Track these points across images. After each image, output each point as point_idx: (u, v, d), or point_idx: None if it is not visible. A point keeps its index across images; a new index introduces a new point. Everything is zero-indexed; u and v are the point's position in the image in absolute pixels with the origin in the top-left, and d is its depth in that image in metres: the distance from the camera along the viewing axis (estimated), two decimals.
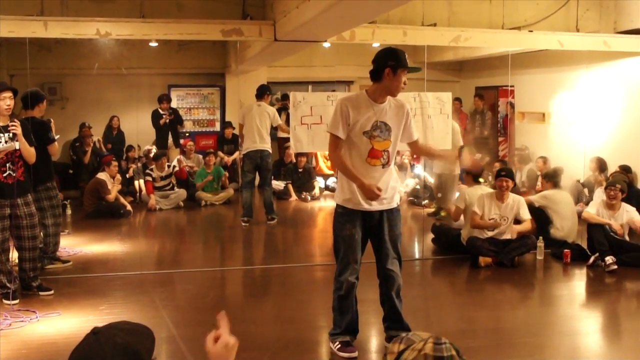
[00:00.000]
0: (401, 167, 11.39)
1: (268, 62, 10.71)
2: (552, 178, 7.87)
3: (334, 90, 10.06)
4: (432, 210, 9.58)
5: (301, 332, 4.85)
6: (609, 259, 6.56)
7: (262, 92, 8.96)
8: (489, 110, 11.82)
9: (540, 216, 7.49)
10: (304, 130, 6.84)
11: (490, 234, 6.90)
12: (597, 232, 6.80)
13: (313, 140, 6.90)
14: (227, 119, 12.23)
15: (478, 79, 12.74)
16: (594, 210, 7.00)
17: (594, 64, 9.89)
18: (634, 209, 7.11)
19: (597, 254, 6.80)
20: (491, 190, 7.22)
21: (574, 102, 10.41)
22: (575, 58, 9.91)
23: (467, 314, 5.39)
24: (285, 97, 11.92)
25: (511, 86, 11.77)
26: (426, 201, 10.10)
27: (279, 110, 12.31)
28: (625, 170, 8.85)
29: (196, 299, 5.68)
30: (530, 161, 10.78)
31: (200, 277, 6.40)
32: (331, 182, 11.65)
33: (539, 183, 8.33)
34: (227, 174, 11.18)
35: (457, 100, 12.26)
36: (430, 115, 7.03)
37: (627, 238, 6.95)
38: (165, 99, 11.40)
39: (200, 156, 11.49)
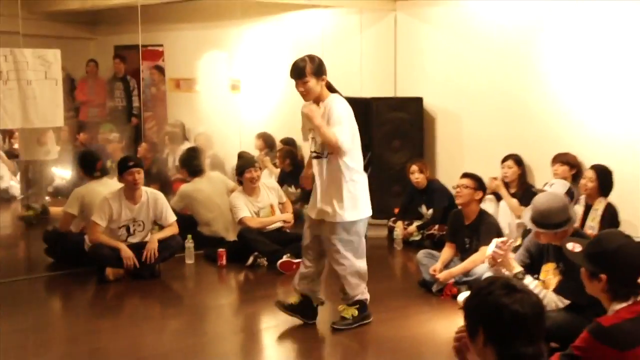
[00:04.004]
0: None
1: None
2: (186, 164, 7.91)
3: None
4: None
5: None
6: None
7: None
8: (133, 76, 11.59)
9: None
10: None
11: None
12: (249, 232, 7.06)
13: None
14: None
15: (118, 35, 12.41)
16: (241, 202, 7.20)
17: (250, 19, 10.28)
18: (274, 183, 7.82)
19: (256, 253, 7.01)
20: (117, 186, 6.84)
21: (227, 65, 10.73)
22: (229, 11, 10.18)
23: (94, 346, 5.17)
24: None
25: (159, 45, 11.73)
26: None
27: None
28: (288, 143, 9.38)
29: None
30: (186, 140, 10.84)
31: None
32: None
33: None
34: None
35: (92, 62, 11.86)
36: (30, 81, 6.54)
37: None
38: None
39: None
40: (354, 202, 5.07)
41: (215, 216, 7.64)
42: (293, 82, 5.09)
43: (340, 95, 5.14)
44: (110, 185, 7.01)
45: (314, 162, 5.17)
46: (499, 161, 7.43)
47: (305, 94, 5.00)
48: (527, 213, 4.56)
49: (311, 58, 5.00)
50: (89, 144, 10.69)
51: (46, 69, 6.67)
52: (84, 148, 10.50)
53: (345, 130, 4.94)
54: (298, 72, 4.95)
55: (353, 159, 5.07)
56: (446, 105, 8.53)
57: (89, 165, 7.26)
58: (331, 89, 5.10)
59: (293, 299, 5.35)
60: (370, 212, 5.25)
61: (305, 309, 5.32)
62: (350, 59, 9.18)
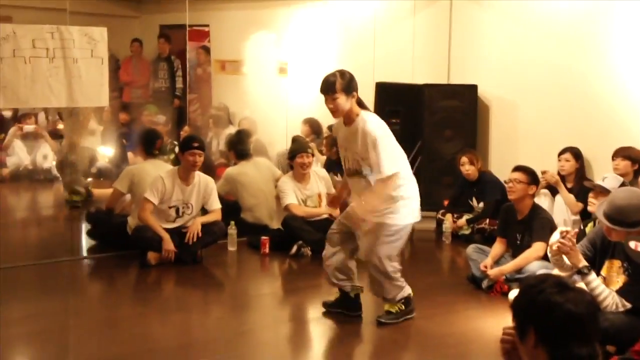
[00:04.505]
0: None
1: None
2: (234, 147, 8.01)
3: None
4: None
5: None
6: None
7: None
8: (178, 57, 11.72)
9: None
10: None
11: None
12: (294, 220, 7.09)
13: None
14: None
15: (164, 14, 12.55)
16: (289, 188, 7.26)
17: (299, 1, 10.29)
18: (324, 172, 7.70)
19: (300, 242, 7.05)
20: (171, 167, 7.05)
21: (276, 48, 10.76)
22: None
23: (139, 331, 5.25)
24: None
25: (205, 26, 11.82)
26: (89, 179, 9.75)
27: None
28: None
29: None
30: (230, 124, 10.94)
31: None
32: None
33: None
34: None
35: (136, 42, 12.00)
36: (76, 59, 6.64)
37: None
38: None
39: None
40: (401, 208, 5.07)
41: (259, 202, 7.70)
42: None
43: (370, 111, 5.16)
44: (161, 166, 7.16)
45: (352, 180, 5.19)
46: (555, 153, 7.34)
47: (334, 111, 5.01)
48: (601, 207, 4.45)
49: (342, 74, 5.00)
50: (129, 124, 10.87)
51: (92, 47, 6.73)
52: (125, 128, 10.73)
53: (385, 152, 4.93)
54: (328, 87, 4.96)
55: (397, 174, 5.06)
56: (502, 94, 8.45)
57: (150, 143, 7.39)
58: (361, 105, 5.10)
59: (334, 295, 5.43)
60: (416, 219, 5.23)
61: (346, 303, 5.36)
62: (402, 44, 9.14)
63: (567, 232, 4.46)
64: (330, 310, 5.39)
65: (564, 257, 4.46)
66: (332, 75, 4.98)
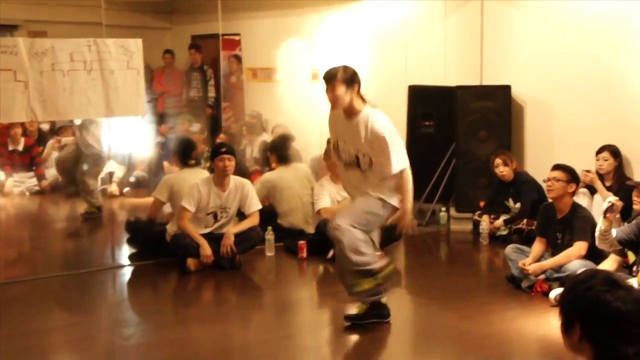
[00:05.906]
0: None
1: None
2: (277, 150, 8.04)
3: None
4: None
5: None
6: None
7: None
8: (210, 66, 11.83)
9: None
10: None
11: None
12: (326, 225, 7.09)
13: None
14: None
15: (195, 24, 12.67)
16: (324, 192, 7.29)
17: (330, 5, 10.34)
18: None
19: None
20: (207, 174, 7.13)
21: (307, 54, 10.83)
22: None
23: (180, 336, 5.29)
24: None
25: (236, 34, 11.91)
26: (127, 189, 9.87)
27: None
28: None
29: None
30: (264, 131, 11.01)
31: None
32: None
33: None
34: None
35: (168, 53, 12.12)
36: (113, 71, 6.72)
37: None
38: None
39: None
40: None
41: (295, 207, 7.74)
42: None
43: (372, 105, 5.13)
44: (199, 174, 7.21)
45: (348, 172, 5.20)
46: (593, 153, 7.28)
47: (333, 101, 5.02)
48: None
49: (345, 67, 5.06)
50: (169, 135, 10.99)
51: (128, 58, 6.83)
52: (164, 139, 10.85)
53: (393, 152, 4.96)
54: (329, 76, 5.01)
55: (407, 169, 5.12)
56: (536, 93, 8.39)
57: (186, 153, 7.45)
58: (364, 101, 5.11)
59: (360, 307, 5.31)
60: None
61: (377, 310, 5.32)
62: (433, 46, 9.14)
63: (614, 203, 4.58)
64: (360, 323, 5.25)
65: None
66: (335, 67, 5.06)
